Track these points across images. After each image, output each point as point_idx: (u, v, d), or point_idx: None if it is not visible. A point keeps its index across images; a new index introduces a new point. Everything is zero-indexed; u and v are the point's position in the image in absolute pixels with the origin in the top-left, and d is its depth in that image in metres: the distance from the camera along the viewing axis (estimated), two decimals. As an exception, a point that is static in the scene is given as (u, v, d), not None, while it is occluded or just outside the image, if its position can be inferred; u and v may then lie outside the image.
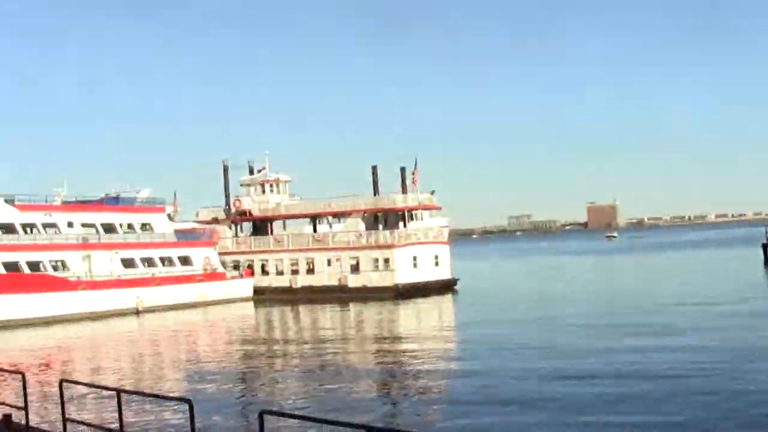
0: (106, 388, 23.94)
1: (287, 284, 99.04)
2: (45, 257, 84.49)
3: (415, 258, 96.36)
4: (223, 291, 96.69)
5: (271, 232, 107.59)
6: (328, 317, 77.88)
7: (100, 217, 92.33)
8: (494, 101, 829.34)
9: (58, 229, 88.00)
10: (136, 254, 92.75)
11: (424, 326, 68.12)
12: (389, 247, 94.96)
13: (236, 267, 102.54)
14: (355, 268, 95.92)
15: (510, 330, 56.76)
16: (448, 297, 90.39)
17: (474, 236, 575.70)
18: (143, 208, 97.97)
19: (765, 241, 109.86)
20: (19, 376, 22.30)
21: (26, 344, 63.83)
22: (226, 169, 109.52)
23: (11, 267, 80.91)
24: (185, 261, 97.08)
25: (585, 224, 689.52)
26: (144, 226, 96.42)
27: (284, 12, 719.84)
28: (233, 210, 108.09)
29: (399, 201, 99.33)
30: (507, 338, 52.07)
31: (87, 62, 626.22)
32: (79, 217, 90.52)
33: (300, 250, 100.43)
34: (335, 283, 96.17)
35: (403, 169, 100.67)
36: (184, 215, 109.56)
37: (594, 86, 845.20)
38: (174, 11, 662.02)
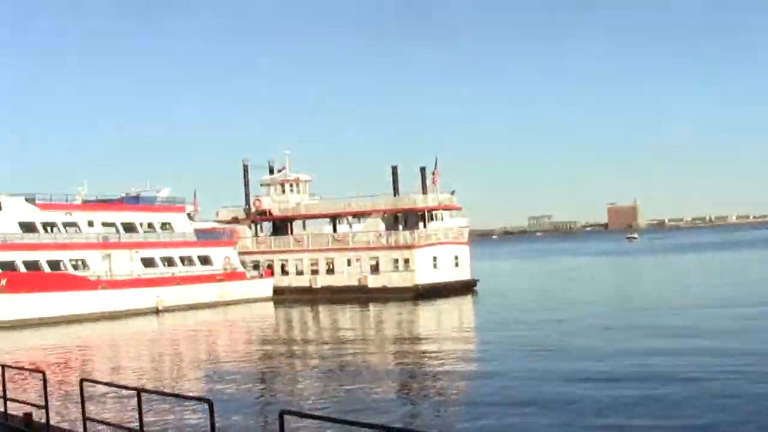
0: (127, 388, 23.99)
1: (307, 284, 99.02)
2: (65, 256, 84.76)
3: (435, 258, 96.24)
4: (242, 291, 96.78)
5: (291, 232, 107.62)
6: (347, 317, 77.81)
7: (120, 217, 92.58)
8: (515, 101, 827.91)
9: (79, 228, 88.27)
10: (156, 254, 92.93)
11: (444, 327, 68.01)
12: (409, 247, 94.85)
13: (256, 267, 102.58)
14: (375, 269, 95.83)
15: (529, 331, 56.68)
16: (468, 298, 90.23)
17: (494, 237, 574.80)
18: (163, 207, 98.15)
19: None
20: (40, 375, 22.35)
21: (47, 343, 63.94)
22: (246, 169, 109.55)
23: (32, 266, 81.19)
24: (205, 261, 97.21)
25: (605, 225, 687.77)
26: (164, 226, 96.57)
27: (304, 9, 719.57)
28: (253, 210, 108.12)
29: (419, 201, 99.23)
30: (526, 339, 51.97)
31: (106, 63, 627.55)
32: (100, 216, 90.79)
33: (320, 250, 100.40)
34: (355, 283, 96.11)
35: (423, 169, 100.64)
36: (204, 215, 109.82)
37: (615, 86, 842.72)
38: (194, 12, 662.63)
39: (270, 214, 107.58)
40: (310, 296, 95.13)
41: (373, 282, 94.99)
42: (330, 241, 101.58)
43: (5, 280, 78.36)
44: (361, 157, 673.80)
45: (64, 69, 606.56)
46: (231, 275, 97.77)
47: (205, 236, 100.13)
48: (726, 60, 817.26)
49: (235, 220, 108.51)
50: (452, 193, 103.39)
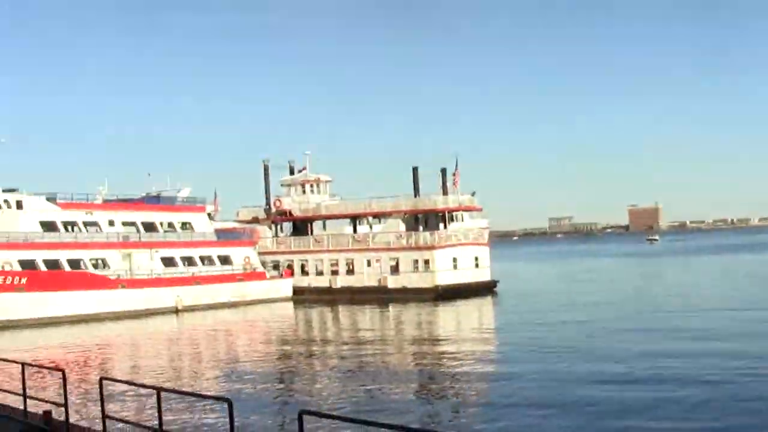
0: (146, 387, 24.01)
1: (327, 284, 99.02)
2: (86, 255, 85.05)
3: (455, 259, 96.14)
4: (262, 291, 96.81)
5: (311, 233, 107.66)
6: (367, 318, 77.77)
7: (140, 216, 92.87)
8: (536, 102, 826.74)
9: (99, 228, 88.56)
10: (176, 253, 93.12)
11: (464, 328, 67.92)
12: (429, 248, 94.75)
13: (276, 267, 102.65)
14: (395, 269, 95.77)
15: (549, 333, 56.54)
16: (488, 299, 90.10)
17: (514, 238, 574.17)
18: (184, 207, 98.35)
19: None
20: (60, 373, 22.37)
21: (66, 342, 64.15)
22: (266, 169, 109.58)
23: (52, 265, 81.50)
24: (225, 260, 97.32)
25: (626, 227, 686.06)
26: (184, 225, 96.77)
27: (324, 7, 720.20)
28: (274, 210, 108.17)
29: (439, 202, 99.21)
30: (546, 341, 51.86)
31: (126, 61, 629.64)
32: (120, 215, 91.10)
33: (340, 251, 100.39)
34: (375, 284, 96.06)
35: (443, 170, 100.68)
36: (225, 214, 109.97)
37: (636, 86, 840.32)
38: (214, 9, 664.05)
39: (290, 214, 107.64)
40: (329, 296, 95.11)
41: (393, 283, 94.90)
42: (350, 241, 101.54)
43: (26, 278, 78.67)
44: (381, 158, 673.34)
45: (85, 67, 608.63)
46: (251, 275, 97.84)
47: (226, 236, 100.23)
48: (750, 59, 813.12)
49: (256, 220, 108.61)
50: (473, 194, 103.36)
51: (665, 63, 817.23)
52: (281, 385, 40.94)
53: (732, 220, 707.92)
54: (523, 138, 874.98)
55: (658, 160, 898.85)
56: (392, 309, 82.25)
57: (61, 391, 20.91)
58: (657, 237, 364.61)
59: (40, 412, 20.29)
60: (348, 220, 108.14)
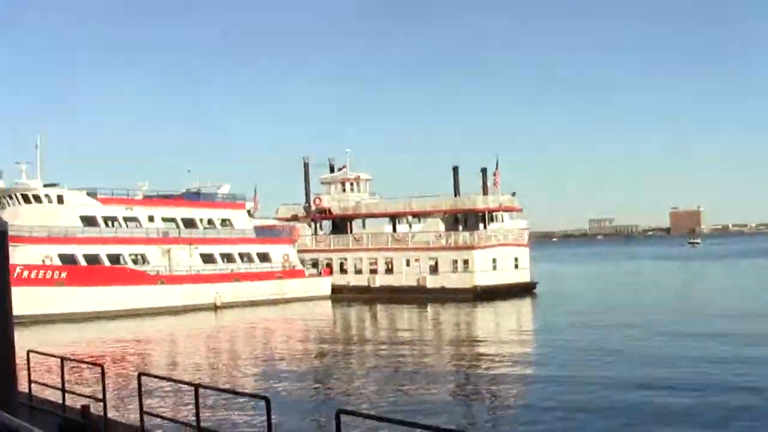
0: (184, 383, 23.94)
1: (365, 283, 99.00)
2: (125, 251, 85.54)
3: (494, 260, 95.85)
4: (301, 289, 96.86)
5: (351, 231, 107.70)
6: (405, 318, 77.69)
7: (180, 212, 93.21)
8: (577, 102, 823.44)
9: (139, 223, 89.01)
10: (216, 250, 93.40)
11: (502, 329, 67.66)
12: (469, 248, 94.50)
13: (315, 265, 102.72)
14: (434, 269, 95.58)
15: (589, 335, 56.20)
16: (527, 300, 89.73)
17: (554, 239, 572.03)
18: (223, 204, 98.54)
19: None
20: (98, 368, 22.37)
21: (105, 337, 64.57)
22: (306, 167, 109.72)
23: (92, 260, 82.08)
24: (264, 258, 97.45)
25: (667, 230, 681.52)
26: (224, 222, 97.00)
27: (362, 5, 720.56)
28: (313, 208, 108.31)
29: (479, 202, 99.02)
30: (585, 343, 51.58)
31: (167, 59, 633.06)
32: (160, 211, 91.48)
33: (379, 250, 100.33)
34: (413, 283, 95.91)
35: (484, 170, 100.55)
36: (264, 212, 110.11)
37: (679, 88, 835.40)
38: (249, 7, 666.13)
39: (330, 212, 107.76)
40: (368, 295, 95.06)
41: (432, 282, 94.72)
42: (389, 240, 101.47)
43: (66, 273, 79.21)
44: (422, 158, 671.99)
45: (130, 65, 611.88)
46: (290, 273, 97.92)
47: (265, 233, 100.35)
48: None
49: (295, 218, 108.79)
50: (513, 194, 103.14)
51: (709, 64, 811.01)
52: (318, 384, 40.90)
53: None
54: (565, 139, 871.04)
55: (700, 162, 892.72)
56: (430, 309, 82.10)
57: (100, 386, 20.96)
58: (699, 240, 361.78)
59: (78, 406, 20.25)
60: (387, 219, 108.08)
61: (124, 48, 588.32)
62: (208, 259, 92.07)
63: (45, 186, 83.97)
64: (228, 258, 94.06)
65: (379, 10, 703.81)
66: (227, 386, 36.19)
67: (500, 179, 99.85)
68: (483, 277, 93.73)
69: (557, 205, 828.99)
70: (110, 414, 21.76)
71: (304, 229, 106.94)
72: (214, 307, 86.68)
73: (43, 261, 78.67)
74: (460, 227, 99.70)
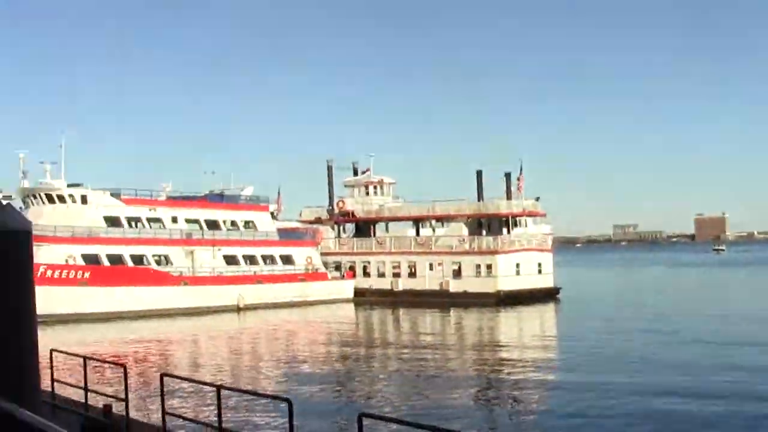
0: (206, 384, 23.93)
1: (388, 287, 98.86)
2: (149, 251, 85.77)
3: (517, 265, 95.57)
4: (324, 291, 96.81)
5: (374, 234, 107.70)
6: (428, 322, 77.60)
7: (204, 214, 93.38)
8: (602, 109, 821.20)
9: (163, 224, 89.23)
10: (239, 251, 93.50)
11: (525, 335, 67.52)
12: (492, 253, 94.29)
13: (338, 268, 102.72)
14: (457, 273, 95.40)
15: (612, 342, 55.82)
16: (551, 306, 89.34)
17: (578, 245, 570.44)
18: (247, 205, 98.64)
19: None
20: (121, 368, 22.39)
21: (127, 337, 64.72)
22: (330, 170, 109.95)
23: (115, 260, 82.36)
24: (287, 260, 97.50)
25: (692, 236, 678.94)
26: (247, 224, 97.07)
27: (388, 7, 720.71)
28: (337, 211, 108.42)
29: (503, 207, 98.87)
30: (609, 350, 51.34)
31: (190, 59, 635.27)
32: (184, 212, 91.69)
33: (402, 253, 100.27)
34: (436, 287, 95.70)
35: (508, 175, 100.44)
36: (287, 214, 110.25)
37: (704, 95, 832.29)
38: (280, 6, 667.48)
39: (353, 215, 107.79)
40: (391, 299, 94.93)
41: (455, 287, 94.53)
42: (412, 244, 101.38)
43: (89, 273, 79.49)
44: (445, 162, 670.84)
45: (156, 64, 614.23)
46: (313, 275, 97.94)
47: (288, 236, 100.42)
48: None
49: (318, 221, 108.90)
50: (537, 199, 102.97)
51: (736, 71, 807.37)
52: (340, 387, 40.84)
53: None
54: (589, 144, 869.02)
55: (726, 169, 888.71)
56: (453, 313, 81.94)
57: (122, 386, 20.98)
58: (723, 247, 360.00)
59: (101, 405, 20.25)
60: (411, 223, 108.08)
61: (147, 45, 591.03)
62: (231, 260, 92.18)
63: (69, 186, 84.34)
64: (251, 260, 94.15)
65: (400, 11, 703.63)
66: (249, 388, 36.15)
67: (524, 184, 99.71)
68: (506, 281, 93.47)
69: (581, 211, 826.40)
70: (132, 414, 21.83)
71: (327, 232, 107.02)
72: (237, 309, 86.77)
73: (67, 261, 79.00)
74: (484, 232, 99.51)
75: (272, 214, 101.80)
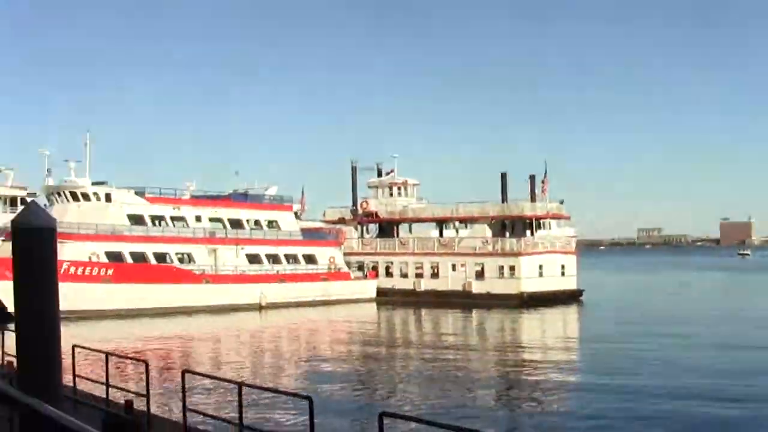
0: (228, 381, 23.99)
1: (411, 287, 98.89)
2: (172, 249, 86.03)
3: (541, 267, 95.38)
4: (346, 291, 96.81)
5: (397, 235, 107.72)
6: (450, 322, 77.58)
7: (227, 213, 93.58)
8: (627, 111, 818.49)
9: (186, 223, 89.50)
10: (262, 250, 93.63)
11: (548, 336, 67.38)
12: (515, 254, 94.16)
13: (360, 268, 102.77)
14: (480, 275, 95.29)
15: (635, 345, 55.56)
16: (573, 308, 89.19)
17: (601, 248, 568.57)
18: (270, 205, 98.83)
19: None
20: (142, 364, 22.47)
21: (150, 334, 64.89)
22: (354, 170, 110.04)
23: (138, 257, 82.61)
24: (310, 259, 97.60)
25: (717, 241, 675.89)
26: (271, 224, 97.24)
27: (415, 7, 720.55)
28: (360, 211, 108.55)
29: (527, 209, 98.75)
30: (631, 353, 51.20)
31: (212, 60, 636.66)
32: (207, 211, 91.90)
33: (425, 254, 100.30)
34: (459, 288, 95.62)
35: (532, 177, 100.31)
36: (311, 214, 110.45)
37: (732, 102, 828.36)
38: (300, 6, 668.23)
39: (377, 216, 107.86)
40: (413, 299, 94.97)
41: (478, 288, 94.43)
42: (436, 245, 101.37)
43: (112, 270, 79.75)
44: (470, 163, 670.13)
45: (178, 66, 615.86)
46: (335, 275, 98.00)
47: (311, 235, 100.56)
48: None
49: (342, 221, 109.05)
50: (561, 202, 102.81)
51: (760, 72, 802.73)
52: (361, 386, 40.90)
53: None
54: (614, 147, 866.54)
55: (751, 173, 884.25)
56: (475, 314, 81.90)
57: (143, 382, 21.07)
58: (749, 251, 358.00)
59: (122, 401, 20.32)
60: (434, 224, 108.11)
61: (168, 43, 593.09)
62: (253, 259, 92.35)
63: (93, 184, 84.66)
64: (274, 259, 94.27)
65: (422, 15, 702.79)
66: (270, 385, 36.22)
67: (548, 186, 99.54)
68: (529, 283, 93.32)
69: (605, 214, 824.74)
70: (153, 410, 21.93)
71: (350, 232, 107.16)
72: (259, 308, 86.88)
73: (90, 258, 79.31)
74: (507, 234, 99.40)
75: (296, 213, 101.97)
